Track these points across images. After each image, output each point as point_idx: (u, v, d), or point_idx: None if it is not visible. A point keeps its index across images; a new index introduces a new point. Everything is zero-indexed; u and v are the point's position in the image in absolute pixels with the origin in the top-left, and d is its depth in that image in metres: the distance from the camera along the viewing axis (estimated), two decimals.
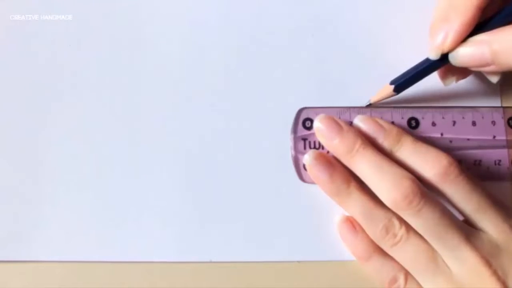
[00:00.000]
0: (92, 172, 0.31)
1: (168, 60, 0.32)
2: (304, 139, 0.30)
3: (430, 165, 0.27)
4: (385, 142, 0.29)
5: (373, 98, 0.31)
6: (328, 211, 0.30)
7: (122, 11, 0.33)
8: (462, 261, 0.27)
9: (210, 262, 0.30)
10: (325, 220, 0.30)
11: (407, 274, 0.28)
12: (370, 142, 0.29)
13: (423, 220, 0.27)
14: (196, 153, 0.31)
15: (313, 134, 0.30)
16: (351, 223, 0.29)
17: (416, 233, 0.27)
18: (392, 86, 0.30)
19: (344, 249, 0.30)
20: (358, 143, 0.28)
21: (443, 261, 0.27)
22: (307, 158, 0.29)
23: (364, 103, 0.31)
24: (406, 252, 0.27)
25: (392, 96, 0.30)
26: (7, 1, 0.33)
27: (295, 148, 0.30)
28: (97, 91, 0.32)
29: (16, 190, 0.30)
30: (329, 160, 0.29)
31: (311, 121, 0.30)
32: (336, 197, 0.29)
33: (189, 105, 0.32)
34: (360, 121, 0.29)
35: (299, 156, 0.30)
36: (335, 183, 0.28)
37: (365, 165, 0.28)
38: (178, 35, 0.33)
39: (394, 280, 0.28)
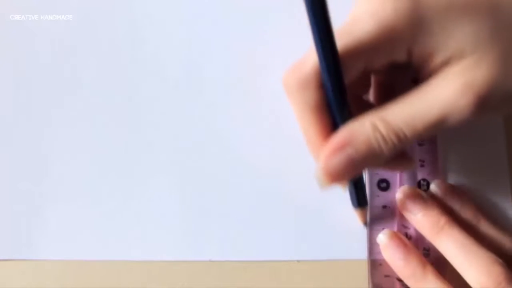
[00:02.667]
0: (92, 172, 0.31)
1: (168, 60, 0.32)
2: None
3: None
4: (465, 214, 0.29)
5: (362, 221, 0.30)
6: (328, 210, 0.30)
7: (122, 11, 0.33)
8: None
9: (210, 261, 0.30)
10: (325, 219, 0.30)
11: None
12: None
13: None
14: (195, 153, 0.31)
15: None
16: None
17: None
18: (358, 209, 0.29)
19: (344, 249, 0.30)
20: (443, 219, 0.27)
21: None
22: (382, 237, 0.29)
23: None
24: None
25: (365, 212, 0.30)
26: (7, 1, 0.33)
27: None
28: (97, 91, 0.32)
29: (16, 189, 0.31)
30: (404, 241, 0.28)
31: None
32: (410, 280, 0.28)
33: (189, 105, 0.32)
34: (437, 187, 0.29)
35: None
36: (410, 266, 0.27)
37: (451, 245, 0.27)
38: (178, 35, 0.33)
39: None
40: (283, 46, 0.33)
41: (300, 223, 0.30)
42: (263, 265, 0.30)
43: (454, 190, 0.29)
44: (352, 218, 0.30)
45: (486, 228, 0.28)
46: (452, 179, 0.31)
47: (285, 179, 0.31)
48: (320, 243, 0.30)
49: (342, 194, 0.30)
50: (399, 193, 0.29)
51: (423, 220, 0.28)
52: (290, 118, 0.31)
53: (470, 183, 0.30)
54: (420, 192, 0.29)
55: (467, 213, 0.29)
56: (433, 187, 0.30)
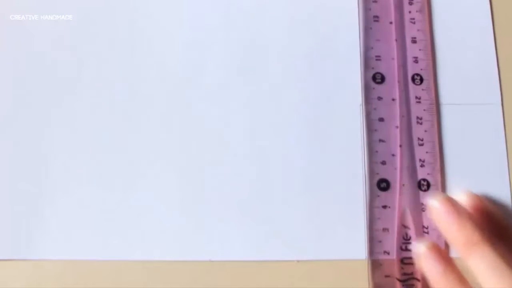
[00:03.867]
0: (91, 172, 0.31)
1: (169, 59, 0.32)
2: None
3: None
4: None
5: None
6: (328, 210, 0.30)
7: (122, 11, 0.33)
8: None
9: (210, 261, 0.30)
10: (325, 219, 0.30)
11: None
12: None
13: None
14: (195, 153, 0.31)
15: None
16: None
17: None
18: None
19: (344, 249, 0.30)
20: (476, 235, 0.26)
21: None
22: (420, 246, 0.28)
23: None
24: None
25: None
26: (7, 1, 0.33)
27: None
28: (97, 91, 0.32)
29: (16, 189, 0.30)
30: (443, 253, 0.28)
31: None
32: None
33: (189, 105, 0.32)
34: (467, 196, 0.29)
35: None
36: (448, 280, 0.27)
37: (483, 264, 0.26)
38: (178, 35, 0.33)
39: None
40: (285, 44, 0.33)
41: (300, 223, 0.30)
42: (263, 265, 0.30)
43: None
44: (352, 218, 0.30)
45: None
46: (452, 179, 0.31)
47: (285, 179, 0.31)
48: (320, 243, 0.30)
49: (342, 194, 0.30)
50: (434, 200, 0.28)
51: (457, 234, 0.27)
52: (290, 118, 0.31)
53: (470, 183, 0.30)
54: (456, 203, 0.28)
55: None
56: (466, 200, 0.29)
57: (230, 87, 0.32)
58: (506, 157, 0.31)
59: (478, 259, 0.26)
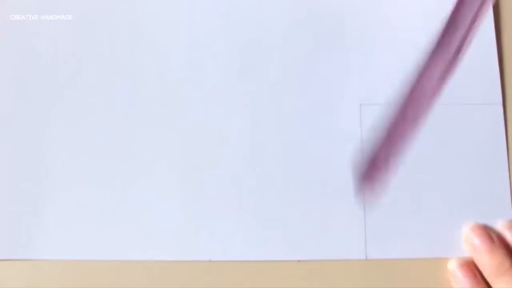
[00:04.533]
0: (91, 172, 0.31)
1: (169, 59, 0.32)
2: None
3: None
4: None
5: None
6: (328, 210, 0.30)
7: (122, 11, 0.33)
8: None
9: (209, 261, 0.30)
10: (325, 219, 0.30)
11: None
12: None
13: None
14: (195, 153, 0.31)
15: None
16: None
17: None
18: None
19: (344, 249, 0.30)
20: (507, 264, 0.28)
21: None
22: (453, 263, 0.29)
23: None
24: None
25: None
26: (7, 1, 0.33)
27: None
28: (96, 91, 0.32)
29: (16, 189, 0.30)
30: (474, 272, 0.29)
31: None
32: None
33: (189, 105, 0.32)
34: (506, 229, 0.29)
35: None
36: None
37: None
38: (178, 34, 0.33)
39: None
40: (283, 45, 0.33)
41: (300, 223, 0.30)
42: (263, 265, 0.30)
43: None
44: (352, 218, 0.30)
45: None
46: (452, 179, 0.31)
47: (286, 179, 0.31)
48: (320, 243, 0.30)
49: (342, 194, 0.30)
50: (467, 229, 0.29)
51: (488, 262, 0.28)
52: (290, 118, 0.31)
53: (470, 183, 0.30)
54: (489, 230, 0.29)
55: None
56: (501, 226, 0.29)
57: (230, 87, 0.32)
58: (506, 157, 0.31)
59: (505, 283, 0.27)
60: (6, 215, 0.30)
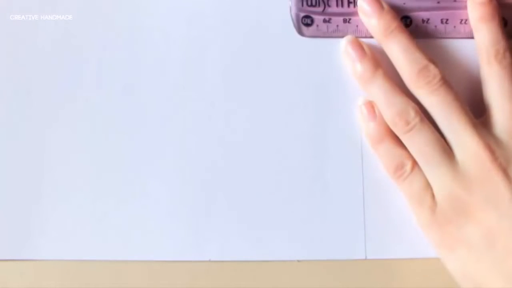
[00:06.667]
0: (91, 172, 0.31)
1: (169, 59, 0.32)
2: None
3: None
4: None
5: None
6: (328, 210, 0.30)
7: (122, 11, 0.33)
8: (465, 147, 0.28)
9: (210, 261, 0.30)
10: (325, 219, 0.30)
11: (414, 163, 0.29)
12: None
13: (437, 99, 0.28)
14: (195, 153, 0.31)
15: None
16: (372, 106, 0.30)
17: (429, 125, 0.29)
18: None
19: (344, 249, 0.30)
20: (394, 24, 0.30)
21: (452, 151, 0.28)
22: (343, 40, 0.31)
23: None
24: (416, 141, 0.29)
25: None
26: (7, 1, 0.33)
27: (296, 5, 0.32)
28: (97, 91, 0.32)
29: (16, 189, 0.30)
30: (363, 46, 0.31)
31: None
32: (362, 79, 0.30)
33: (190, 105, 0.32)
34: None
35: (300, 13, 0.32)
36: (364, 65, 0.30)
37: (396, 46, 0.30)
38: (178, 35, 0.33)
39: (401, 166, 0.29)
40: (284, 45, 0.33)
41: (300, 223, 0.30)
42: (263, 265, 0.30)
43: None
44: (352, 218, 0.30)
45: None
46: None
47: (286, 179, 0.31)
48: (320, 243, 0.30)
49: (342, 194, 0.30)
50: (360, 0, 0.31)
51: (377, 25, 0.30)
52: (290, 118, 0.31)
53: None
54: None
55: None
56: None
57: (230, 87, 0.32)
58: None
59: (391, 42, 0.30)
60: (6, 215, 0.30)
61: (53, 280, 0.29)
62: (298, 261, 0.30)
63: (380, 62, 0.30)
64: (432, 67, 0.29)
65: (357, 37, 0.31)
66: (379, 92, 0.30)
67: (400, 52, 0.29)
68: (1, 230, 0.30)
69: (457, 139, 0.28)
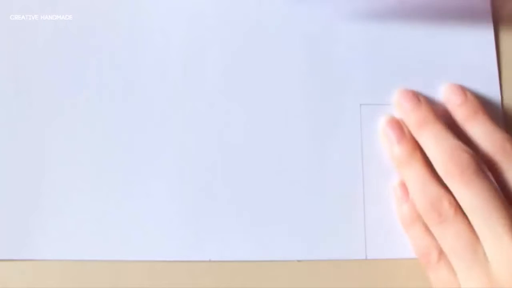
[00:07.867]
0: (91, 172, 0.31)
1: (169, 59, 0.32)
2: None
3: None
4: (460, 111, 0.30)
5: None
6: (328, 210, 0.30)
7: (122, 11, 0.33)
8: (503, 252, 0.25)
9: (210, 261, 0.30)
10: (325, 219, 0.30)
11: (441, 254, 0.28)
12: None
13: (472, 194, 0.26)
14: (195, 153, 0.31)
15: None
16: (406, 189, 0.29)
17: (464, 218, 0.27)
18: None
19: (344, 249, 0.30)
20: (430, 116, 0.29)
21: (484, 252, 0.26)
22: (382, 120, 0.31)
23: None
24: (447, 234, 0.27)
25: None
26: (7, 1, 0.33)
27: None
28: (97, 91, 0.32)
29: (16, 189, 0.30)
30: (402, 126, 0.30)
31: None
32: (398, 161, 0.30)
33: (189, 105, 0.32)
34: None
35: None
36: (402, 147, 0.29)
37: (431, 138, 0.29)
38: (178, 35, 0.33)
39: (428, 254, 0.28)
40: (284, 45, 0.33)
41: (300, 223, 0.30)
42: (263, 265, 0.30)
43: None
44: (352, 218, 0.30)
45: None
46: None
47: (286, 179, 0.31)
48: (320, 243, 0.30)
49: (342, 194, 0.30)
50: (396, 94, 0.31)
51: (413, 118, 0.30)
52: (290, 118, 0.31)
53: None
54: (417, 93, 0.31)
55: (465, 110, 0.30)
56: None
57: (229, 87, 0.32)
58: None
59: (426, 134, 0.29)
60: (6, 215, 0.30)
61: (53, 280, 0.29)
62: (298, 261, 0.30)
63: (417, 144, 0.29)
64: (466, 156, 0.27)
65: (394, 118, 0.31)
66: (414, 177, 0.29)
67: (433, 142, 0.29)
68: (1, 230, 0.30)
69: (494, 242, 0.25)
